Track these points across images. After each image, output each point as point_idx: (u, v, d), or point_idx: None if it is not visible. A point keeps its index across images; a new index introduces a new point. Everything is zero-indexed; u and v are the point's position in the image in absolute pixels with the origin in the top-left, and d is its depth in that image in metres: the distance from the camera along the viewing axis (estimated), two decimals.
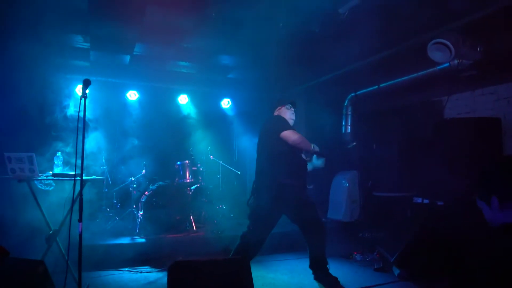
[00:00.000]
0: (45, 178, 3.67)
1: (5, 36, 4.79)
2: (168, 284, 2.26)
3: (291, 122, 3.80)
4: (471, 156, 4.12)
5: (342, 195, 6.32)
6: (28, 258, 2.75)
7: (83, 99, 2.92)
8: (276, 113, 3.90)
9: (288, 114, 3.85)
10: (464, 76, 4.77)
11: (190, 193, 6.11)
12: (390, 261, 4.31)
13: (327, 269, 3.73)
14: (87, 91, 2.97)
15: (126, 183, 6.24)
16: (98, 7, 4.20)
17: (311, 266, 3.78)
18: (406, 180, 5.45)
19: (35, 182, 3.79)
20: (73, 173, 3.31)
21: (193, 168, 6.36)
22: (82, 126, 2.88)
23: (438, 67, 4.70)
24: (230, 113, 8.18)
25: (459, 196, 3.96)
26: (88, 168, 4.62)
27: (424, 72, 4.99)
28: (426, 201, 4.97)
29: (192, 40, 5.22)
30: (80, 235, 2.80)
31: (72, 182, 3.10)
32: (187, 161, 6.23)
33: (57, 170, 3.86)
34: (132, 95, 7.16)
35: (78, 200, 2.90)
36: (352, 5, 3.97)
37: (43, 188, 4.01)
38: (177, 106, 7.67)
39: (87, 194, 3.73)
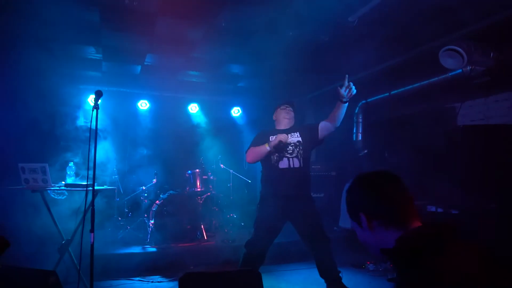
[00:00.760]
0: (58, 188, 3.70)
1: (19, 48, 4.90)
2: None
3: (285, 121, 3.81)
4: (485, 163, 4.04)
5: None
6: (40, 269, 2.76)
7: (95, 110, 2.95)
8: (274, 117, 4.00)
9: (282, 114, 3.86)
10: (477, 83, 4.70)
11: (201, 202, 6.09)
12: None
13: (340, 278, 3.65)
14: (99, 102, 3.00)
15: (137, 192, 6.28)
16: (109, 20, 4.28)
17: (322, 275, 3.70)
18: (419, 188, 5.35)
19: (48, 191, 3.84)
20: (85, 183, 3.35)
21: (204, 177, 6.35)
22: (94, 137, 2.91)
23: (450, 74, 4.65)
24: (240, 121, 8.20)
25: (473, 205, 3.88)
26: (99, 177, 4.66)
27: (436, 78, 4.93)
28: (440, 210, 4.87)
29: (202, 50, 5.26)
30: (92, 245, 2.81)
31: (82, 192, 3.12)
32: (197, 170, 6.22)
33: (69, 180, 3.91)
34: (143, 105, 7.26)
35: (90, 210, 2.92)
36: (362, 13, 3.97)
37: (56, 197, 4.06)
38: (188, 115, 7.73)
39: (98, 203, 3.77)
